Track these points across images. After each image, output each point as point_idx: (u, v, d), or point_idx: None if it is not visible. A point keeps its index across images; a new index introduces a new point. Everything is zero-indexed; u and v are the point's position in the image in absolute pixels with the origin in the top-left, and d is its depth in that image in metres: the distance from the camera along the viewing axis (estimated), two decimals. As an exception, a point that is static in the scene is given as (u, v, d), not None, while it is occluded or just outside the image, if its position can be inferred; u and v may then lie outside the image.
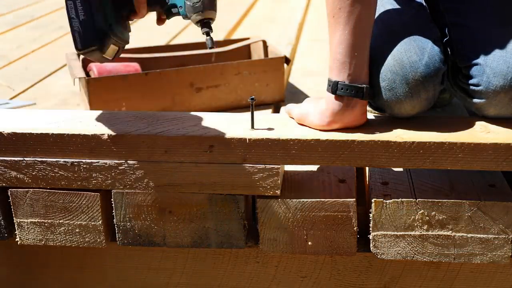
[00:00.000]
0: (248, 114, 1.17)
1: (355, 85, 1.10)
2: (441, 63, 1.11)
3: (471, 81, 1.13)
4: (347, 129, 1.13)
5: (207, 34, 1.16)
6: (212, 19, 1.17)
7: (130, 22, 1.21)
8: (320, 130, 1.14)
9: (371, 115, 1.21)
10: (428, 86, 1.10)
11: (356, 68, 1.10)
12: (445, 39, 1.19)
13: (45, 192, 1.20)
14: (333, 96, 1.11)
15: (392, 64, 1.10)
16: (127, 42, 1.20)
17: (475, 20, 1.17)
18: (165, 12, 1.19)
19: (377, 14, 1.17)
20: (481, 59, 1.12)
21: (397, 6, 1.21)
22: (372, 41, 1.12)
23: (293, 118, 1.20)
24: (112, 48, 1.14)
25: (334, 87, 1.11)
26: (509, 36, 1.12)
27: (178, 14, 1.18)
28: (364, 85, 1.11)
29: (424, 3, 1.24)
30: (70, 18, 1.10)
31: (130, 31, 1.21)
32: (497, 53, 1.11)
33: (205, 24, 1.17)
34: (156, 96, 1.64)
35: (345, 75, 1.10)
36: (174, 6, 1.18)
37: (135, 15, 1.17)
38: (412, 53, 1.10)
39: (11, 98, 1.88)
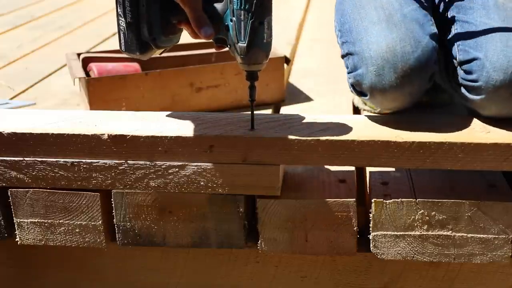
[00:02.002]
0: (248, 114, 1.17)
1: None
2: (433, 60, 1.11)
3: (470, 77, 1.12)
4: None
5: (251, 84, 1.10)
6: (258, 71, 1.09)
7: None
8: None
9: (369, 113, 1.21)
10: (415, 80, 1.10)
11: None
12: (449, 37, 1.19)
13: (45, 192, 1.20)
14: None
15: (384, 50, 1.10)
16: (176, 43, 1.14)
17: (477, 16, 1.17)
18: (213, 40, 1.09)
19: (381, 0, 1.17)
20: (481, 54, 1.11)
21: None
22: (370, 25, 1.13)
23: None
24: (156, 52, 1.13)
25: None
26: (511, 31, 1.11)
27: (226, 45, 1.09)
28: None
29: (424, 2, 1.23)
30: (117, 14, 1.07)
31: (181, 32, 1.13)
32: (498, 48, 1.10)
33: (250, 75, 1.09)
34: (156, 96, 1.64)
35: None
36: (223, 41, 1.07)
37: (185, 24, 1.08)
38: (407, 44, 1.10)
39: (11, 98, 1.88)
